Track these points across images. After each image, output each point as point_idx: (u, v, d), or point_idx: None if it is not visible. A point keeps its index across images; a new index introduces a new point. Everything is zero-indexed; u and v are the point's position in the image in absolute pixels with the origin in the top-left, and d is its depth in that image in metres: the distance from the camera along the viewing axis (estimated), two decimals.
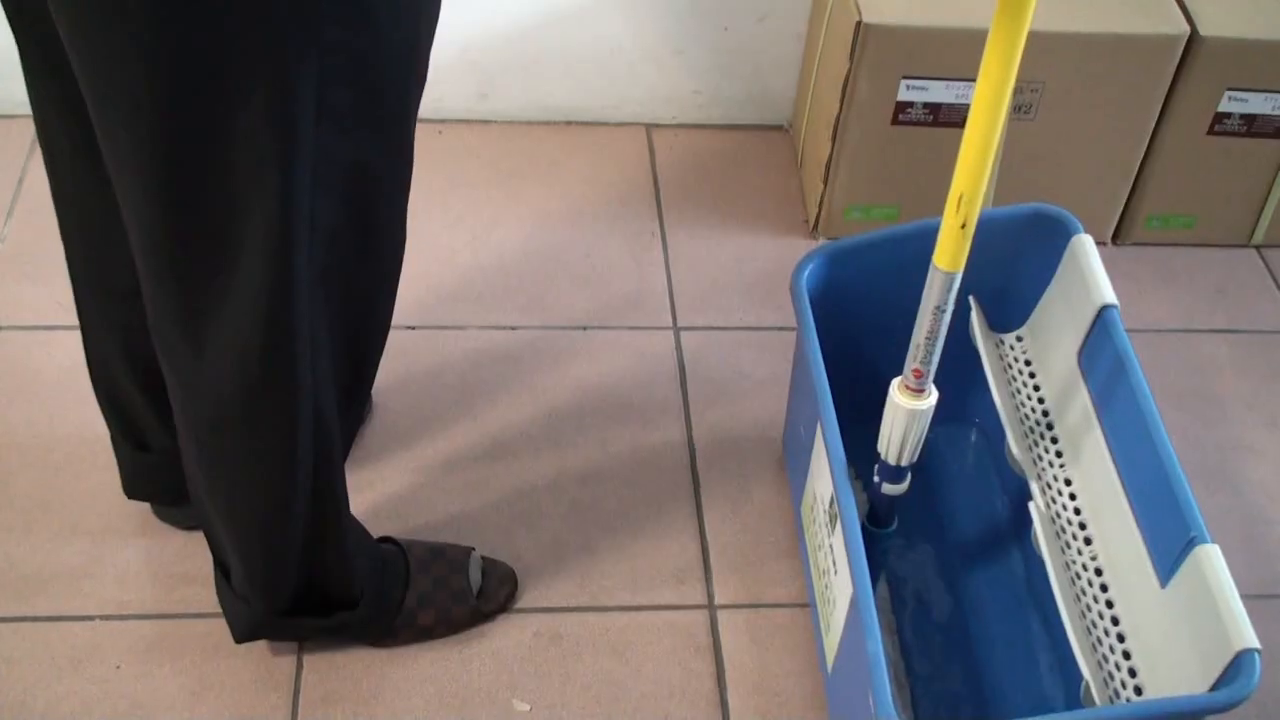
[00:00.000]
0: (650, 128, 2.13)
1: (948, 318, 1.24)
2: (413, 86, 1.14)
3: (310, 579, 1.33)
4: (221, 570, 1.35)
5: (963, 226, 1.17)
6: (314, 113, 1.02)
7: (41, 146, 1.21)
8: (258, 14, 0.94)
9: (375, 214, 1.17)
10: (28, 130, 1.98)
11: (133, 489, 1.49)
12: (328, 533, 1.30)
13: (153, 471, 1.45)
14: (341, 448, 1.31)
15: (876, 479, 1.42)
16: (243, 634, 1.38)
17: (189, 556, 1.50)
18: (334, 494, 1.29)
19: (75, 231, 1.27)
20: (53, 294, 1.76)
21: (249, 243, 1.05)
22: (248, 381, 1.14)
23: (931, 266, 1.21)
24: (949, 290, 1.21)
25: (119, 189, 1.05)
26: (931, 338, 1.25)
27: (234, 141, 1.00)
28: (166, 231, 1.05)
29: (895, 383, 1.32)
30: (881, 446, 1.37)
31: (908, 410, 1.31)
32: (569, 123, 2.12)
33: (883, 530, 1.52)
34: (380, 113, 1.11)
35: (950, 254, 1.19)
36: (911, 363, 1.28)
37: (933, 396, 1.32)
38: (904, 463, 1.37)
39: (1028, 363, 1.52)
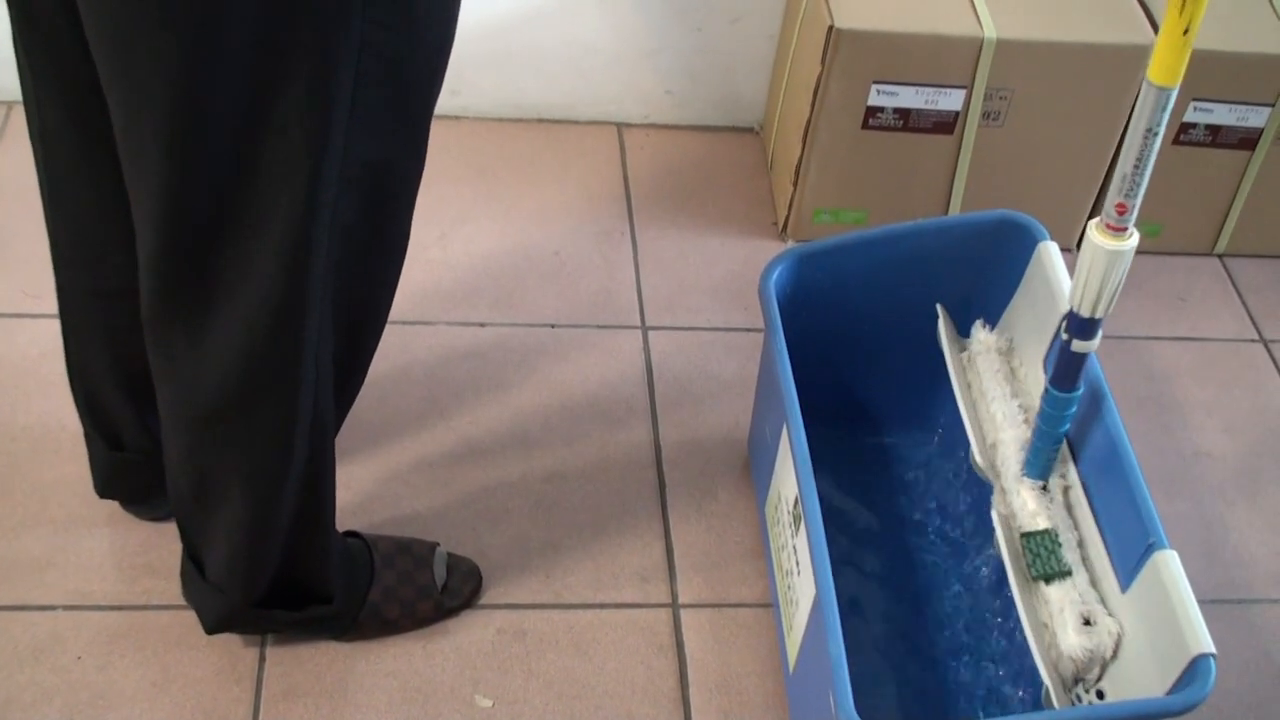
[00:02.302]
0: (622, 127, 2.13)
1: (1158, 142, 1.10)
2: (437, 87, 1.14)
3: (289, 571, 1.33)
4: (194, 562, 1.35)
5: (1185, 32, 1.03)
6: (347, 111, 1.02)
7: (36, 143, 1.20)
8: (303, 10, 0.94)
9: (388, 211, 1.18)
10: None
11: (106, 488, 1.49)
12: (313, 526, 1.31)
13: (127, 471, 1.45)
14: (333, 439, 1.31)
15: (1065, 335, 1.27)
16: (214, 625, 1.38)
17: (153, 548, 1.49)
18: (323, 488, 1.29)
19: (65, 231, 1.26)
20: (18, 282, 1.75)
21: (269, 238, 1.05)
22: (251, 374, 1.13)
23: (1145, 83, 1.08)
24: (1163, 109, 1.08)
25: (136, 173, 1.04)
26: (1140, 165, 1.12)
27: (265, 138, 1.00)
28: (184, 220, 1.04)
29: (1093, 224, 1.18)
30: (1074, 298, 1.23)
31: (1108, 252, 1.17)
32: (540, 120, 2.12)
33: (1069, 393, 1.31)
34: (406, 113, 1.11)
35: (1168, 65, 1.05)
36: (1115, 196, 1.15)
37: (1135, 237, 1.18)
38: (1099, 314, 1.23)
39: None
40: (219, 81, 0.96)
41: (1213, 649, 1.13)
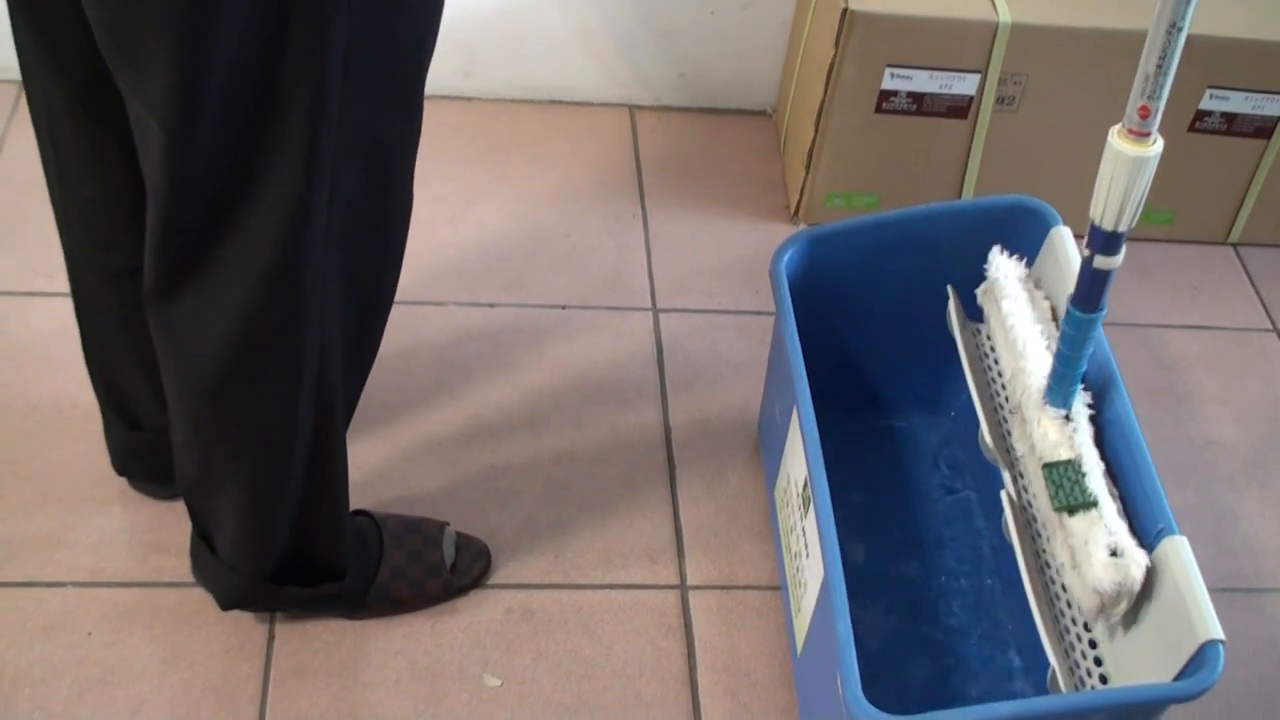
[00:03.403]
0: (634, 109, 2.13)
1: (1182, 39, 1.05)
2: (429, 52, 1.14)
3: (301, 548, 1.33)
4: (205, 540, 1.35)
5: None
6: (339, 79, 1.02)
7: (41, 129, 1.21)
8: None
9: (387, 179, 1.18)
10: (6, 97, 1.97)
11: (123, 466, 1.49)
12: (325, 502, 1.31)
13: (145, 450, 1.45)
14: (345, 416, 1.31)
15: (1087, 251, 1.21)
16: (228, 602, 1.38)
17: (163, 526, 1.49)
18: (334, 463, 1.29)
19: (75, 216, 1.26)
20: (28, 261, 1.75)
21: (267, 208, 1.05)
22: (251, 347, 1.14)
23: None
24: (1186, 2, 1.03)
25: (142, 147, 1.05)
26: (1163, 65, 1.06)
27: (261, 109, 1.00)
28: (184, 193, 1.05)
29: (1114, 130, 1.13)
30: (1095, 210, 1.17)
31: (1131, 158, 1.12)
32: (552, 102, 2.12)
33: (1092, 315, 1.25)
34: (398, 78, 1.11)
35: None
36: (1138, 98, 1.10)
37: (1159, 143, 1.12)
38: (1122, 227, 1.18)
39: None
40: (216, 53, 0.96)
41: (1221, 635, 1.12)
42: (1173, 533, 1.20)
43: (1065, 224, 1.45)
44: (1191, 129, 1.88)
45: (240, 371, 1.16)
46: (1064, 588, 1.30)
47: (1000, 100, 1.83)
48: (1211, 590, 1.16)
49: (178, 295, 1.12)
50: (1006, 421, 1.45)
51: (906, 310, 1.54)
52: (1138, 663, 1.22)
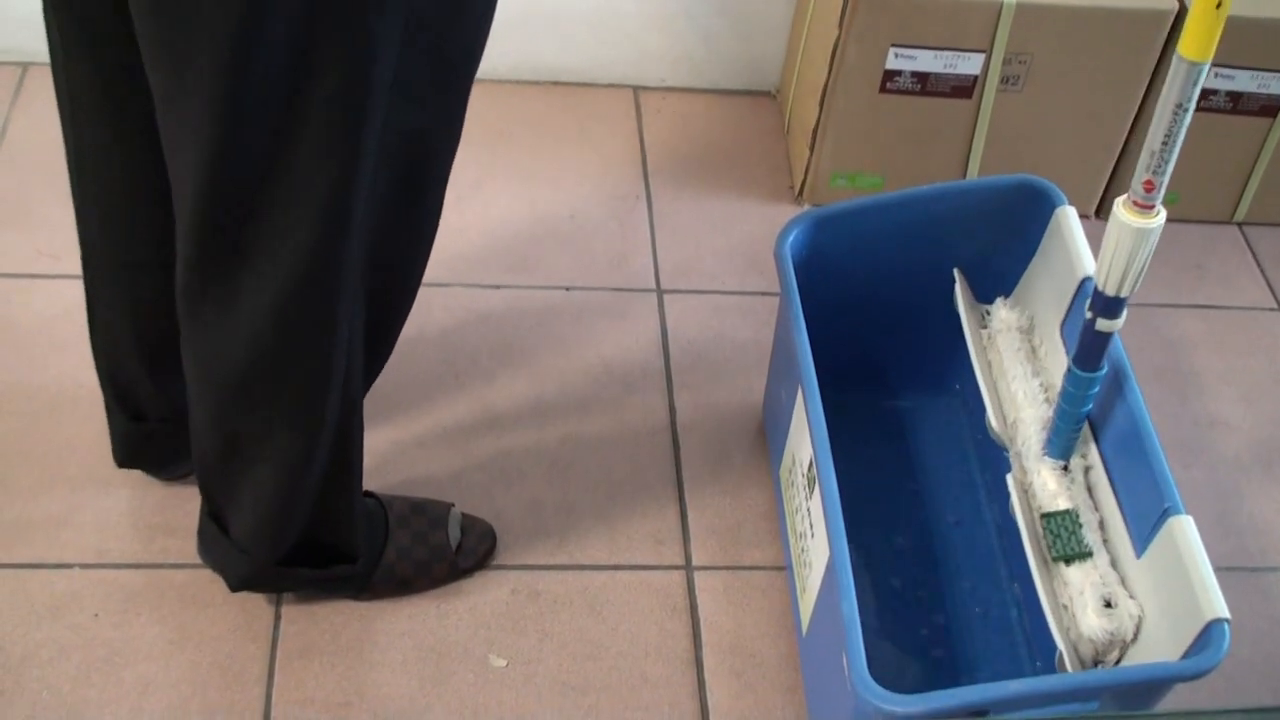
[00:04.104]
0: (638, 90, 2.13)
1: (1188, 118, 1.09)
2: (478, 59, 1.14)
3: (315, 532, 1.34)
4: (216, 522, 1.35)
5: (1218, 6, 1.01)
6: (390, 82, 1.03)
7: (65, 119, 1.21)
8: None
9: (423, 180, 1.18)
10: (10, 79, 1.96)
11: (126, 458, 1.49)
12: (341, 487, 1.32)
13: (147, 440, 1.45)
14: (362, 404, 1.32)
15: (1089, 314, 1.25)
16: (239, 583, 1.39)
17: (169, 507, 1.50)
18: (352, 451, 1.30)
19: (95, 204, 1.26)
20: (33, 242, 1.75)
21: (307, 206, 1.06)
22: (282, 342, 1.14)
23: (1175, 57, 1.06)
24: (1194, 84, 1.06)
25: (177, 143, 1.05)
26: (1169, 142, 1.10)
27: (309, 106, 1.00)
28: (224, 190, 1.05)
29: (1119, 201, 1.17)
30: (1099, 276, 1.22)
31: (1135, 230, 1.16)
32: (557, 84, 2.12)
33: (1093, 374, 1.29)
34: (446, 84, 1.12)
35: (1200, 39, 1.04)
36: (1143, 173, 1.13)
37: (1162, 216, 1.16)
38: (1124, 293, 1.22)
39: None
40: (266, 52, 0.97)
41: (1227, 614, 1.12)
42: (1178, 512, 1.20)
43: (1070, 204, 1.45)
44: (1196, 108, 1.87)
45: (270, 366, 1.17)
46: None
47: (1005, 80, 1.82)
48: (1217, 569, 1.17)
49: (210, 290, 1.13)
50: (1010, 416, 1.45)
51: (912, 290, 1.54)
52: (1144, 643, 1.22)
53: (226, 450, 1.26)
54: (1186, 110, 1.08)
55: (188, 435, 1.30)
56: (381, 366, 1.38)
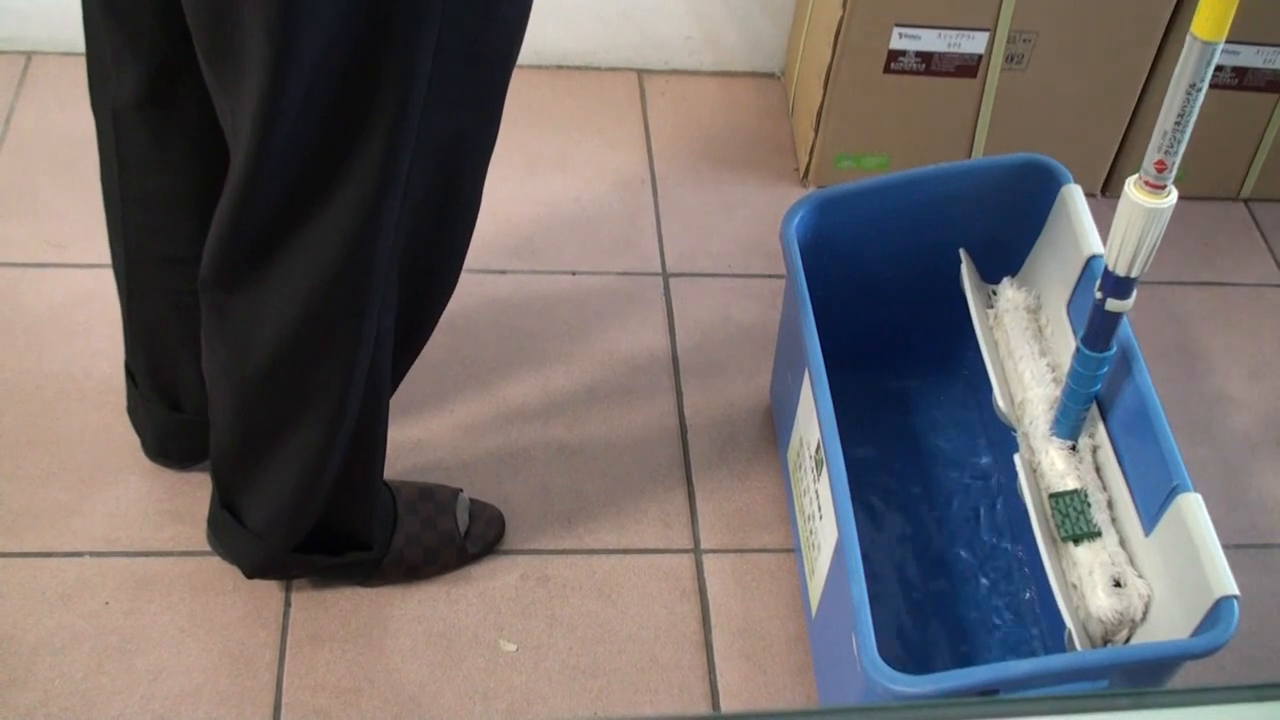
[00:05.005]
0: (642, 73, 2.12)
1: (1201, 98, 1.08)
2: (513, 59, 1.15)
3: (332, 521, 1.34)
4: (229, 510, 1.36)
5: None
6: (426, 84, 1.03)
7: (105, 120, 1.21)
8: None
9: (459, 180, 1.19)
10: (15, 66, 1.96)
11: (161, 450, 1.49)
12: (361, 480, 1.32)
13: (185, 432, 1.45)
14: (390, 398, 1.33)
15: (1099, 294, 1.25)
16: (253, 570, 1.39)
17: (178, 495, 1.50)
18: (374, 444, 1.31)
19: (135, 202, 1.27)
20: (39, 232, 1.75)
21: (340, 205, 1.07)
22: (308, 338, 1.15)
23: (1189, 37, 1.06)
24: (1207, 63, 1.06)
25: (230, 129, 1.06)
26: (1182, 122, 1.09)
27: (348, 106, 1.02)
28: (262, 185, 1.05)
29: (1131, 180, 1.17)
30: (1110, 256, 1.22)
31: (1146, 210, 1.16)
32: (561, 67, 2.11)
33: (1103, 354, 1.29)
34: (482, 85, 1.12)
35: (1213, 19, 1.03)
36: (1154, 154, 1.13)
37: (1173, 195, 1.16)
38: (1135, 274, 1.22)
39: None
40: (307, 56, 0.98)
41: (1236, 591, 1.12)
42: (1186, 490, 1.20)
43: (1076, 182, 1.44)
44: None
45: (293, 360, 1.17)
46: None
47: (1009, 59, 1.81)
48: (1226, 546, 1.17)
49: (239, 284, 1.13)
50: (1018, 396, 1.45)
51: (918, 271, 1.54)
52: (1154, 620, 1.22)
53: (245, 443, 1.26)
54: (1200, 90, 1.08)
55: None
56: (410, 364, 1.38)
